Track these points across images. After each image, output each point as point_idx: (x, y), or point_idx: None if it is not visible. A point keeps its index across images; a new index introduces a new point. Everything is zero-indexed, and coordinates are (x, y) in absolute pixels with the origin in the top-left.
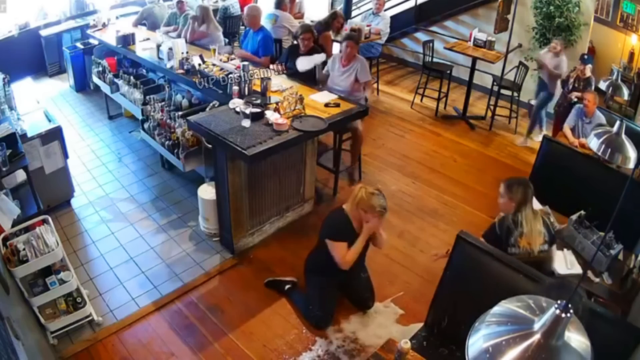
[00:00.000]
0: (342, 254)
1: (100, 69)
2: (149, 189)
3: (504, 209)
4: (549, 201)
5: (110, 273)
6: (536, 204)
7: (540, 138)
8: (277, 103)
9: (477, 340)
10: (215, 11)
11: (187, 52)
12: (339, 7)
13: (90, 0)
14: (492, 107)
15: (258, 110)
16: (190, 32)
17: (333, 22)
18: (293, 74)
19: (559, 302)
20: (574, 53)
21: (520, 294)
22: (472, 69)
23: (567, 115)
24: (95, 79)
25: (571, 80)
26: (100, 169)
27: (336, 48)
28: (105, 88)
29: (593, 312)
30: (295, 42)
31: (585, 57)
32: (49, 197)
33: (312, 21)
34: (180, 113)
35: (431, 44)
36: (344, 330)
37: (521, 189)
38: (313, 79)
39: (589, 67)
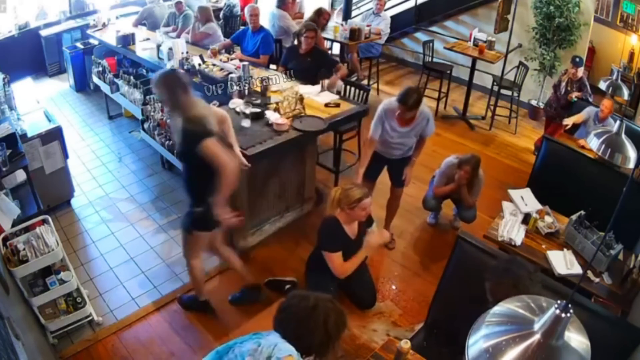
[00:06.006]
0: (338, 264)
1: (100, 69)
2: (149, 189)
3: None
4: (549, 201)
5: (110, 273)
6: (536, 204)
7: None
8: (277, 103)
9: (477, 340)
10: (218, 10)
11: (187, 52)
12: (339, 7)
13: (90, 0)
14: (492, 107)
15: (258, 110)
16: (191, 34)
17: (319, 18)
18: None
19: (559, 302)
20: (573, 53)
21: None
22: (472, 69)
23: (557, 115)
24: (95, 79)
25: (563, 83)
26: (100, 169)
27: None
28: (105, 88)
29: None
30: (295, 42)
31: (577, 59)
32: (49, 197)
33: None
34: None
35: (431, 44)
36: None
37: None
38: (312, 79)
39: (580, 69)
